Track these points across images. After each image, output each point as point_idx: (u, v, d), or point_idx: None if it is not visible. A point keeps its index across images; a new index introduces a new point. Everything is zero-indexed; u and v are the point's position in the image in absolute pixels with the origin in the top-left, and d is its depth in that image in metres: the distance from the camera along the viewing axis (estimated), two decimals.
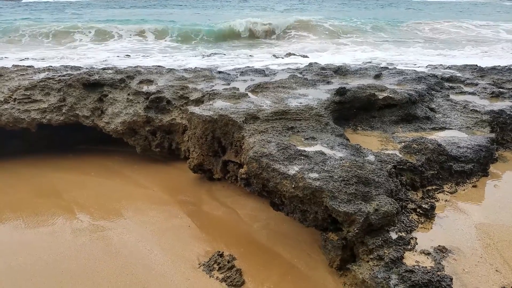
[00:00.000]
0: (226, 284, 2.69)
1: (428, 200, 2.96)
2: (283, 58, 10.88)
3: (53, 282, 2.76)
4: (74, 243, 3.22)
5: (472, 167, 3.36)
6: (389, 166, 2.97)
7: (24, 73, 5.41)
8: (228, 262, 2.88)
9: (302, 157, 2.92)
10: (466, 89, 5.14)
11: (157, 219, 3.58)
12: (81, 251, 3.11)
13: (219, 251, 3.00)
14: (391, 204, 2.52)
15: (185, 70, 5.82)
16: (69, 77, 5.02)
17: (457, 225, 2.72)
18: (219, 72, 5.64)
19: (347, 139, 3.45)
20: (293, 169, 2.77)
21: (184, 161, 4.40)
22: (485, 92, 4.87)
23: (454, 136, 3.73)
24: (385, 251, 2.39)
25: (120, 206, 3.83)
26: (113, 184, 4.37)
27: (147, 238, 3.27)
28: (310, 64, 6.45)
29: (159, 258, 3.00)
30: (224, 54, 11.94)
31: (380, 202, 2.51)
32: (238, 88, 4.63)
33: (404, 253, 2.40)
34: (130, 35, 15.72)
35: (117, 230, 3.40)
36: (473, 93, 4.93)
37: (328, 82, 4.94)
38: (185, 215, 3.64)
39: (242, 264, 2.88)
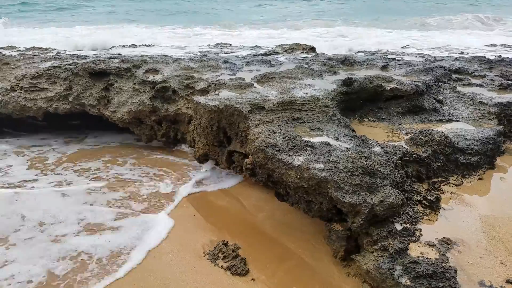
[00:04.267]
0: (231, 272, 2.71)
1: (434, 192, 2.95)
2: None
3: None
4: None
5: (478, 159, 3.33)
6: (395, 157, 2.96)
7: (30, 61, 5.43)
8: (233, 251, 2.90)
9: (308, 148, 2.91)
10: (473, 81, 5.08)
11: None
12: None
13: (224, 240, 3.01)
14: (396, 195, 2.52)
15: (191, 59, 5.80)
16: (75, 66, 5.03)
17: (462, 217, 2.71)
18: (225, 62, 5.62)
19: (353, 130, 3.43)
20: (298, 160, 2.77)
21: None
22: (493, 84, 4.82)
23: (461, 128, 3.71)
24: (390, 242, 2.40)
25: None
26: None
27: None
28: (317, 54, 6.41)
29: (164, 246, 3.03)
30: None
31: (385, 193, 2.51)
32: (244, 78, 4.62)
33: (409, 244, 2.40)
34: None
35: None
36: (480, 85, 4.88)
37: (335, 73, 4.91)
38: (190, 204, 3.66)
39: (246, 253, 2.90)
